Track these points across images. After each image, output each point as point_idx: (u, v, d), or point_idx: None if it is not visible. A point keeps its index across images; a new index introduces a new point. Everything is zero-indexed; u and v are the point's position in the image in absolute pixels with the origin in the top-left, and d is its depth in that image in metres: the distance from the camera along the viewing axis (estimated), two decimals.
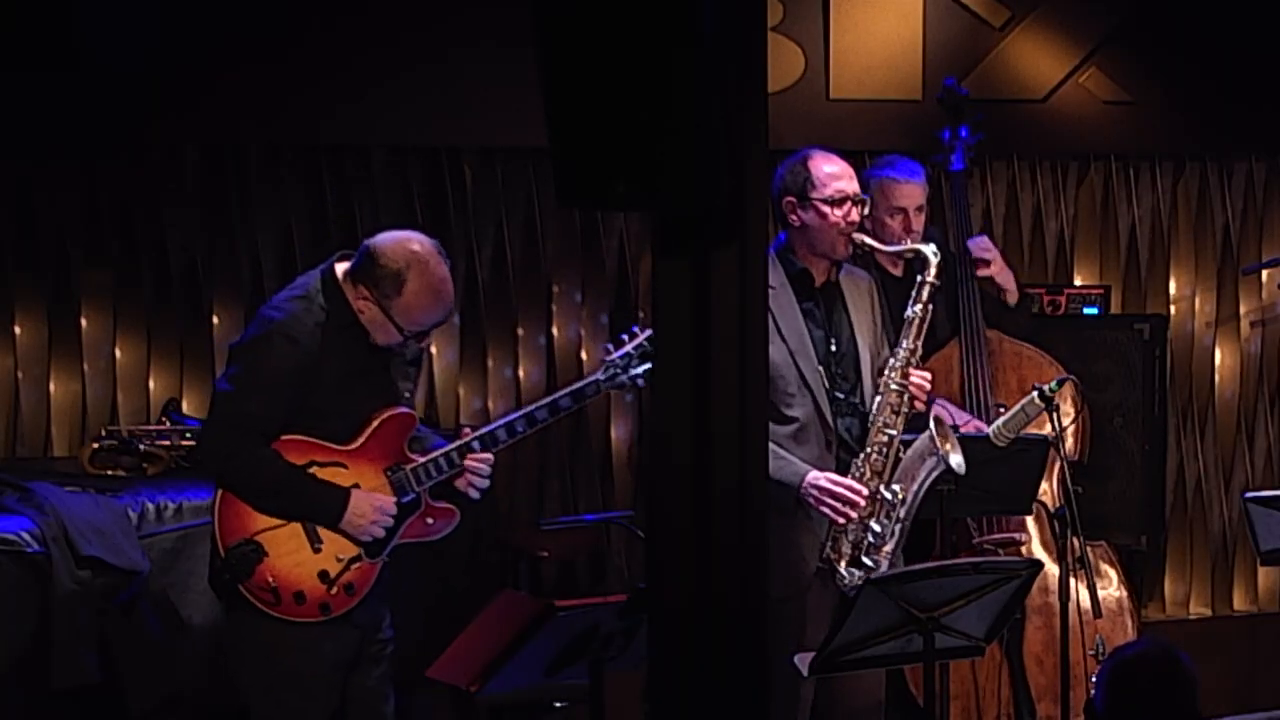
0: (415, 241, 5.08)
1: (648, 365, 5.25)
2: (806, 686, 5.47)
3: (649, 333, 5.21)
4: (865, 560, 5.46)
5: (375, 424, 5.10)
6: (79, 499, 5.86)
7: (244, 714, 6.08)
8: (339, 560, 5.06)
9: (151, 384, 7.02)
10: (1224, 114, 7.44)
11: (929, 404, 5.65)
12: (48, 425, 6.99)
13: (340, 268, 5.13)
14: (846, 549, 5.50)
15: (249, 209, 7.01)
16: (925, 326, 5.59)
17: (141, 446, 6.32)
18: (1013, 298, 6.54)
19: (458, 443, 5.18)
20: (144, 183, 6.96)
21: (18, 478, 6.03)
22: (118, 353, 7.01)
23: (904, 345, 5.57)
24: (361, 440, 5.09)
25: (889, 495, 5.49)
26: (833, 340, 5.60)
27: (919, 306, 5.57)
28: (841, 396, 5.57)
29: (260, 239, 7.01)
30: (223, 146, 6.98)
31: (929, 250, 5.60)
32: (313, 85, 6.92)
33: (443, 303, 5.08)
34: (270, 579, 5.01)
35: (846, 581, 5.47)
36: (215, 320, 7.00)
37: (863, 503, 5.47)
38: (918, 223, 6.23)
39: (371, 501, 5.06)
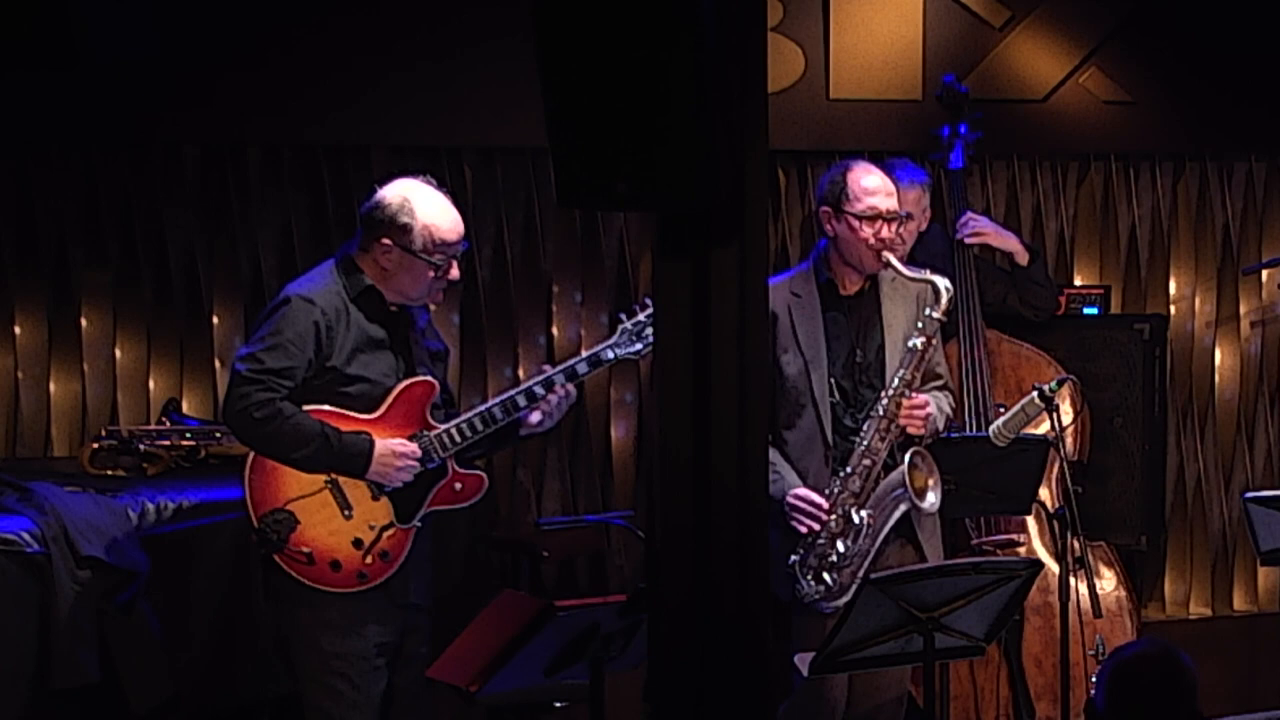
0: (401, 179, 5.27)
1: None
2: (835, 685, 5.48)
3: None
4: (826, 577, 5.46)
5: (397, 392, 5.21)
6: (79, 499, 5.86)
7: (244, 714, 6.10)
8: (371, 527, 5.15)
9: (151, 384, 7.02)
10: (1224, 114, 7.44)
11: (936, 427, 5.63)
12: (48, 425, 7.00)
13: (351, 253, 5.26)
14: (813, 561, 5.50)
15: (249, 209, 7.02)
16: (926, 359, 5.53)
17: (141, 446, 6.33)
18: (1023, 258, 6.53)
19: (479, 409, 5.26)
20: (144, 183, 6.96)
21: (18, 478, 6.03)
22: (118, 353, 7.02)
23: (901, 374, 5.49)
24: (384, 409, 5.19)
25: (856, 520, 5.48)
26: (858, 349, 5.57)
27: (922, 339, 5.49)
28: (862, 406, 5.54)
29: (260, 239, 7.01)
30: (223, 146, 6.99)
31: (943, 284, 5.48)
32: (313, 85, 6.93)
33: (454, 217, 5.23)
34: (304, 546, 5.09)
35: (803, 592, 5.47)
36: (215, 320, 7.01)
37: (824, 517, 5.47)
38: (905, 230, 6.13)
39: (394, 448, 5.15)
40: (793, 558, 5.49)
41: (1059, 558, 5.71)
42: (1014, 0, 7.33)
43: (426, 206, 5.19)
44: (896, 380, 5.49)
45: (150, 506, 5.94)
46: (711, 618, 3.59)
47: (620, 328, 5.38)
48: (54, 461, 6.78)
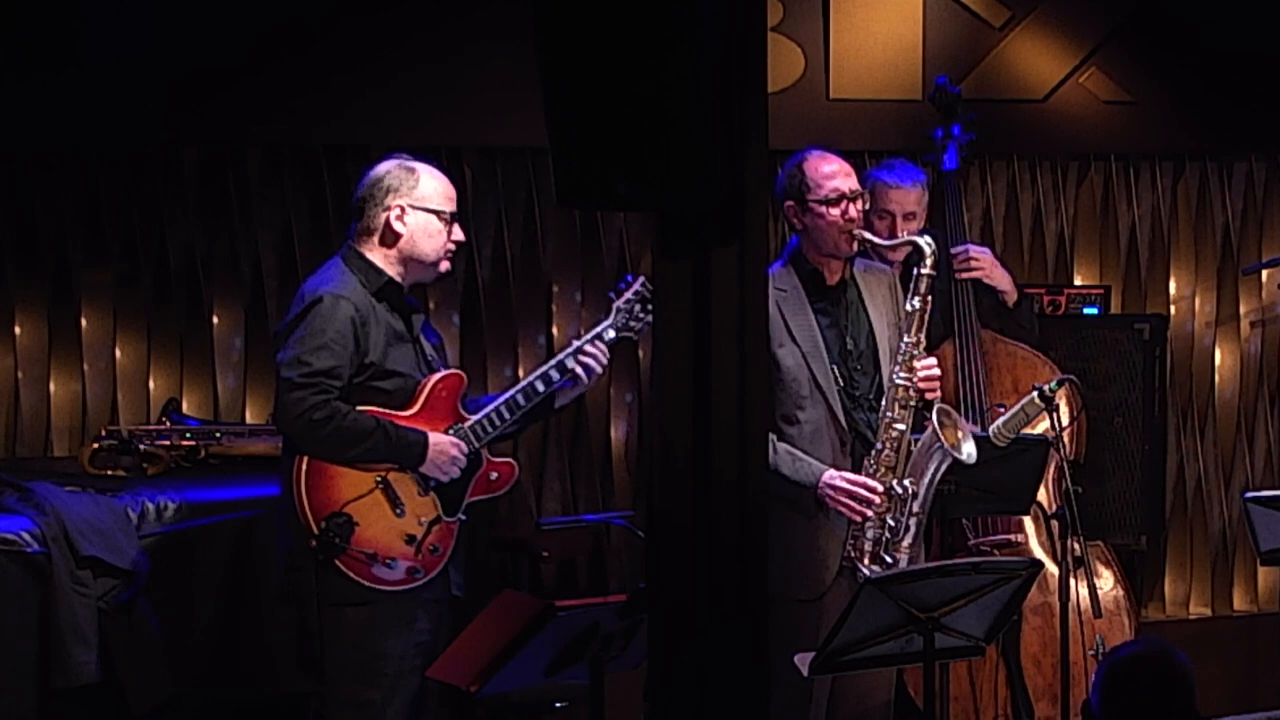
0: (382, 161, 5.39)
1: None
2: (819, 686, 5.48)
3: (642, 279, 5.51)
4: (885, 557, 5.47)
5: (429, 387, 5.29)
6: (79, 499, 5.86)
7: (244, 714, 6.09)
8: (421, 523, 5.23)
9: (151, 384, 7.02)
10: (1224, 114, 7.45)
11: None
12: (48, 425, 6.99)
13: (354, 246, 5.32)
14: (867, 546, 5.51)
15: (249, 209, 7.01)
16: (926, 318, 5.58)
17: (141, 446, 6.33)
18: (1011, 298, 6.51)
19: (504, 397, 5.35)
20: (144, 183, 6.96)
21: (18, 478, 6.03)
22: (118, 353, 7.01)
23: (906, 339, 5.56)
24: (418, 405, 5.27)
25: (899, 490, 5.50)
26: (849, 338, 5.61)
27: (918, 299, 5.56)
28: (857, 394, 5.58)
29: (260, 239, 7.01)
30: (223, 146, 6.99)
31: (924, 241, 5.59)
32: (313, 85, 6.93)
33: (444, 176, 5.37)
34: (366, 547, 5.15)
35: (865, 578, 5.46)
36: (215, 320, 7.00)
37: (877, 499, 5.48)
38: (905, 230, 6.13)
39: (447, 442, 5.24)
40: (848, 548, 5.51)
41: (1057, 558, 5.71)
42: (1014, 0, 7.34)
43: (422, 169, 5.31)
44: (905, 345, 5.55)
45: (150, 506, 5.93)
46: (711, 618, 3.59)
47: (614, 307, 5.51)
48: (54, 461, 6.77)
